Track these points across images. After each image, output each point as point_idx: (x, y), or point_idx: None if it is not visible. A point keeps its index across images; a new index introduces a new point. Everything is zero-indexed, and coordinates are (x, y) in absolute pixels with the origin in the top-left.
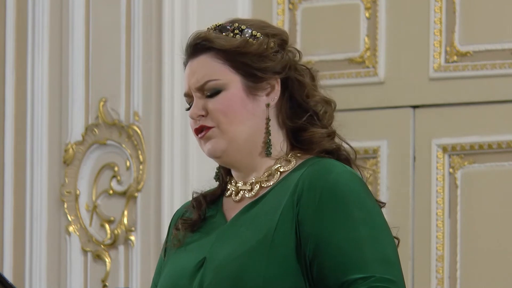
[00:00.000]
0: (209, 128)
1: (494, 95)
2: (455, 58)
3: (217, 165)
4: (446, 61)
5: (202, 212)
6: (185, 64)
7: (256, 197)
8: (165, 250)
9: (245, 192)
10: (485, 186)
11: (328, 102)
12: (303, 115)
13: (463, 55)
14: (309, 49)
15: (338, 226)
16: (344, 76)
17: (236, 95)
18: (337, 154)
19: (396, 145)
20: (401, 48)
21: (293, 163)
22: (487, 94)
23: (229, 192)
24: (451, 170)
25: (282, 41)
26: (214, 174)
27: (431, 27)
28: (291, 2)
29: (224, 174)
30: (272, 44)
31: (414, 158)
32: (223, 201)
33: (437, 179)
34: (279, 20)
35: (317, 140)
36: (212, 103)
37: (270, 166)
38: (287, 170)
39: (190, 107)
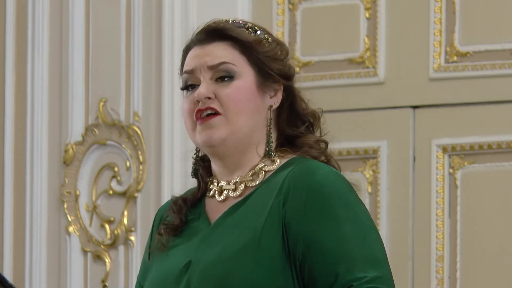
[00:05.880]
0: (215, 114)
1: (494, 95)
2: (455, 58)
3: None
4: (446, 61)
5: (183, 216)
6: (189, 49)
7: (241, 197)
8: (149, 252)
9: (229, 191)
10: (485, 186)
11: (317, 117)
12: (300, 124)
13: (463, 55)
14: (309, 49)
15: (325, 227)
16: (344, 76)
17: (250, 87)
18: (328, 162)
19: (396, 145)
20: (401, 48)
21: (277, 163)
22: (487, 94)
23: (211, 192)
24: (451, 170)
25: (286, 52)
26: (191, 171)
27: (431, 27)
28: (291, 2)
29: (204, 175)
30: (283, 53)
31: (414, 158)
32: (205, 202)
33: (437, 179)
34: (279, 20)
35: (312, 144)
36: (225, 89)
37: (254, 165)
38: (271, 170)
39: (187, 86)
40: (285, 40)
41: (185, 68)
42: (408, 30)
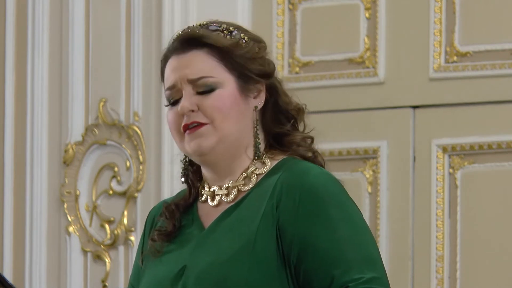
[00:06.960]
0: (202, 124)
1: (494, 95)
2: (455, 58)
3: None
4: (446, 61)
5: (177, 221)
6: (167, 58)
7: (234, 202)
8: (141, 256)
9: (222, 196)
10: (485, 186)
11: (301, 110)
12: (286, 121)
13: (463, 55)
14: (309, 49)
15: (320, 229)
16: (344, 76)
17: (232, 94)
18: (315, 158)
19: (396, 145)
20: (401, 48)
21: (268, 165)
22: (487, 94)
23: (204, 197)
24: (451, 170)
25: (264, 48)
26: (181, 175)
27: (431, 27)
28: (291, 2)
29: (195, 180)
30: (261, 50)
31: (414, 158)
32: (197, 207)
33: (437, 179)
34: (279, 20)
35: (299, 142)
36: (207, 100)
37: (246, 169)
38: (263, 173)
39: (172, 103)
40: (285, 40)
41: (167, 84)
42: (408, 30)
